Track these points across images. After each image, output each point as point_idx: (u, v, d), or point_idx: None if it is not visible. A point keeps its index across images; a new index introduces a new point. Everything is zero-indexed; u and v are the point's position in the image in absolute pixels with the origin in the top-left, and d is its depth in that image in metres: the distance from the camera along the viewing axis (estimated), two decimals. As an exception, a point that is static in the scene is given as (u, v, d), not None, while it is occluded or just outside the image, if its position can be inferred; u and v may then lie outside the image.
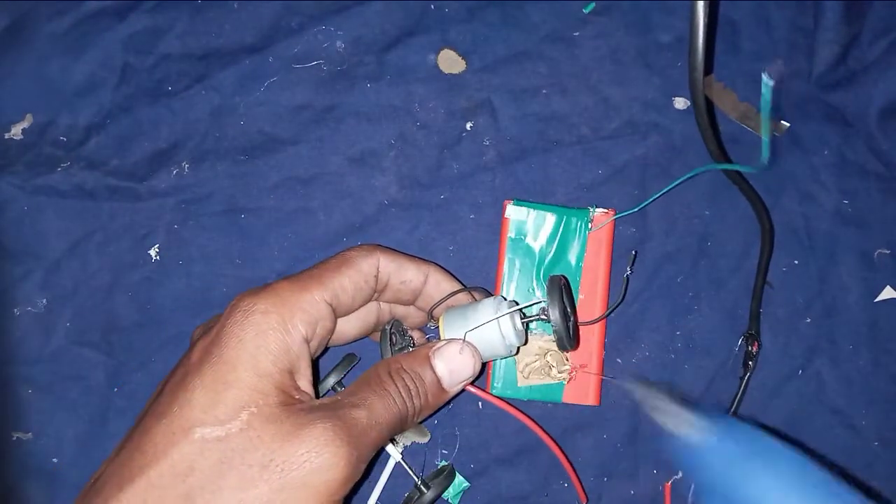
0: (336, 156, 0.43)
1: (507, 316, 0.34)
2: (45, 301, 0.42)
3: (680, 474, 0.40)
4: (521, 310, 0.34)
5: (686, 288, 0.42)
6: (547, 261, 0.40)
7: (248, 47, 0.43)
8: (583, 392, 0.39)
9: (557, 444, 0.37)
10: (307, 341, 0.30)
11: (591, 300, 0.40)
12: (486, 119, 0.43)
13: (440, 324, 0.34)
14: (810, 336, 0.41)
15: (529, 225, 0.40)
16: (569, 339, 0.34)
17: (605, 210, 0.40)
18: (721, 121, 0.43)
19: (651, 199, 0.40)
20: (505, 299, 0.35)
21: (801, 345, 0.41)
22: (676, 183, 0.40)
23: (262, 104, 0.43)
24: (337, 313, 0.32)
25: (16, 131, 0.43)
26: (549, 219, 0.40)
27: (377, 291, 0.34)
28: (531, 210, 0.40)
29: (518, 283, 0.40)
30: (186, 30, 0.44)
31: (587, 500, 0.39)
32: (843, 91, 0.42)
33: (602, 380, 0.40)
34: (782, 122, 0.43)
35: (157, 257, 0.42)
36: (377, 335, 0.38)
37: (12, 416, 0.41)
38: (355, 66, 0.43)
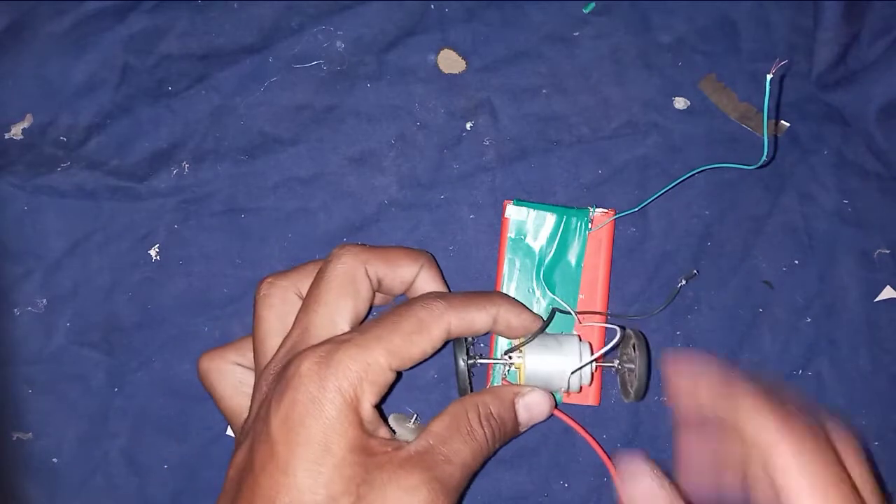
0: (336, 156, 0.43)
1: (587, 357, 0.35)
2: (45, 301, 0.42)
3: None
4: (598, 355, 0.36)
5: (686, 288, 0.42)
6: (547, 261, 0.40)
7: (248, 47, 0.43)
8: (583, 392, 0.39)
9: (601, 447, 0.37)
10: (375, 404, 0.31)
11: (590, 300, 0.40)
12: (486, 119, 0.43)
13: (523, 357, 0.35)
14: (810, 336, 0.41)
15: (529, 225, 0.40)
16: (644, 392, 0.36)
17: (605, 210, 0.40)
18: (721, 121, 0.43)
19: (651, 199, 0.40)
20: (580, 339, 0.36)
21: (801, 345, 0.41)
22: (676, 183, 0.40)
23: (263, 104, 0.43)
24: (400, 371, 0.32)
25: (16, 131, 0.43)
26: (549, 219, 0.40)
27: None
28: (531, 210, 0.40)
29: (518, 283, 0.40)
30: (187, 30, 0.44)
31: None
32: (842, 91, 0.42)
33: (601, 381, 0.40)
34: (782, 121, 0.43)
35: (158, 257, 0.42)
36: None
37: (12, 415, 0.41)
38: (355, 66, 0.43)
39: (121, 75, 0.43)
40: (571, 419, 0.36)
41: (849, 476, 0.28)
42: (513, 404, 0.34)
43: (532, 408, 0.35)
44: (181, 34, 0.44)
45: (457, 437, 0.31)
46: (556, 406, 0.36)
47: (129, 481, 0.41)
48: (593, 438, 0.36)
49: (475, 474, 0.32)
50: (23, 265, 0.42)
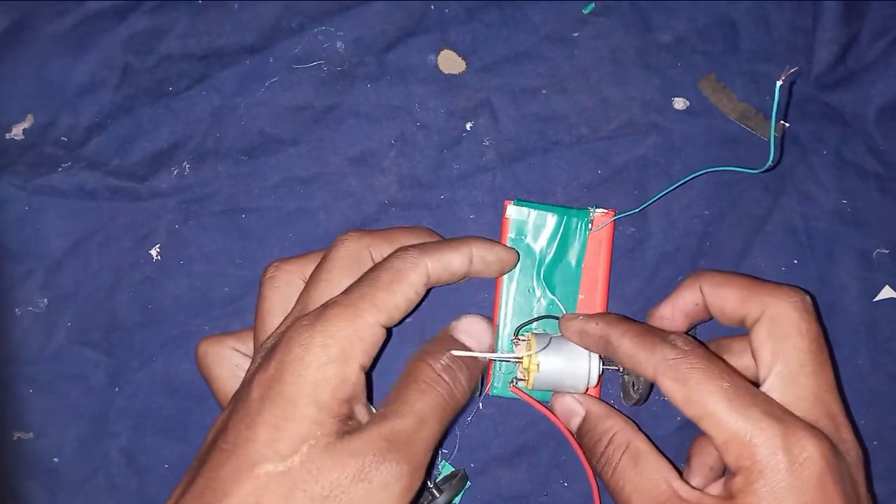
0: (336, 156, 0.43)
1: (595, 360, 0.36)
2: (46, 301, 0.42)
3: None
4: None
5: (686, 288, 0.42)
6: (547, 261, 0.40)
7: (248, 48, 0.43)
8: (587, 390, 0.39)
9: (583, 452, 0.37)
10: (364, 369, 0.31)
11: (590, 300, 0.40)
12: (486, 119, 0.43)
13: (530, 342, 0.36)
14: (809, 336, 0.41)
15: (530, 225, 0.40)
16: (646, 399, 0.37)
17: (605, 210, 0.40)
18: (721, 121, 0.43)
19: (652, 200, 0.40)
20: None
21: (801, 344, 0.41)
22: (678, 184, 0.40)
23: (263, 104, 0.43)
24: (390, 326, 0.32)
25: (17, 131, 0.43)
26: (550, 219, 0.40)
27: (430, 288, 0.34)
28: (531, 210, 0.40)
29: (518, 282, 0.40)
30: (187, 30, 0.44)
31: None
32: (841, 91, 0.42)
33: (602, 380, 0.40)
34: (782, 121, 0.43)
35: (158, 257, 0.42)
36: None
37: (13, 415, 0.41)
38: (355, 67, 0.43)
39: (121, 75, 0.43)
40: (563, 424, 0.37)
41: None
42: (449, 336, 0.34)
43: (469, 329, 0.35)
44: (181, 34, 0.44)
45: (403, 389, 0.31)
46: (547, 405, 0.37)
47: (130, 481, 0.41)
48: (574, 438, 0.36)
49: (445, 425, 0.32)
50: (24, 265, 0.42)
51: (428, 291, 0.34)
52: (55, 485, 0.41)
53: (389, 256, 0.33)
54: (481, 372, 0.35)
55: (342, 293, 0.32)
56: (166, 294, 0.42)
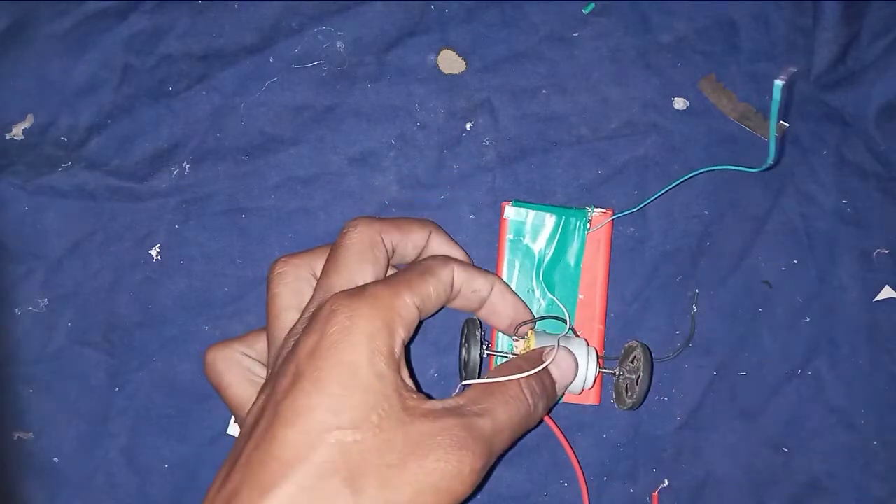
0: (336, 156, 0.43)
1: (593, 362, 0.36)
2: (46, 301, 0.42)
3: (667, 482, 0.41)
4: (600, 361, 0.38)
5: (686, 288, 0.42)
6: (546, 261, 0.40)
7: (248, 48, 0.44)
8: (583, 392, 0.39)
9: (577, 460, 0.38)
10: (405, 344, 0.31)
11: (590, 300, 0.40)
12: (486, 119, 0.43)
13: (530, 341, 0.37)
14: (810, 336, 0.42)
15: (528, 226, 0.40)
16: (639, 405, 0.37)
17: (604, 210, 0.40)
18: (720, 121, 0.43)
19: (650, 200, 0.40)
20: (587, 344, 0.37)
21: (801, 344, 0.41)
22: (678, 183, 0.40)
23: (263, 104, 0.43)
24: (420, 317, 0.32)
25: (17, 131, 0.43)
26: (548, 219, 0.40)
27: (450, 298, 0.35)
28: (530, 211, 0.40)
29: (518, 283, 0.40)
30: (187, 30, 0.44)
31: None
32: (841, 91, 0.42)
33: (602, 379, 0.40)
34: (781, 122, 0.43)
35: (158, 257, 0.42)
36: None
37: (13, 415, 0.41)
38: (355, 67, 0.43)
39: (121, 75, 0.43)
40: (555, 424, 0.37)
41: None
42: (541, 361, 0.34)
43: (560, 363, 0.35)
44: (182, 34, 0.44)
45: (490, 398, 0.31)
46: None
47: (130, 481, 0.41)
48: (569, 445, 0.37)
49: (516, 438, 0.32)
50: (24, 265, 0.42)
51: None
52: (55, 485, 0.41)
53: (421, 258, 0.34)
54: (554, 404, 0.35)
55: (378, 280, 0.32)
56: (166, 294, 0.42)
